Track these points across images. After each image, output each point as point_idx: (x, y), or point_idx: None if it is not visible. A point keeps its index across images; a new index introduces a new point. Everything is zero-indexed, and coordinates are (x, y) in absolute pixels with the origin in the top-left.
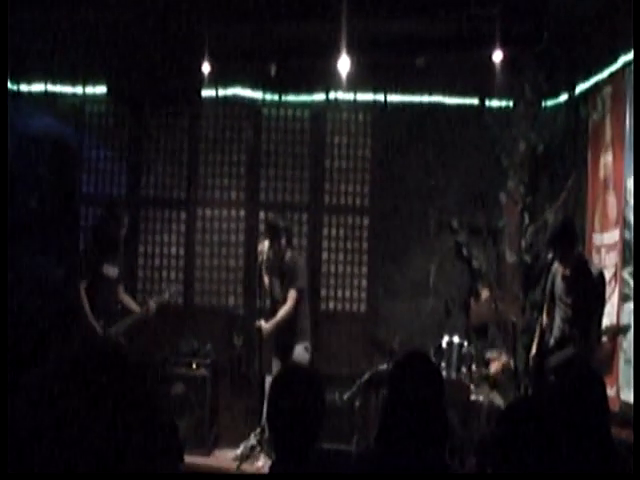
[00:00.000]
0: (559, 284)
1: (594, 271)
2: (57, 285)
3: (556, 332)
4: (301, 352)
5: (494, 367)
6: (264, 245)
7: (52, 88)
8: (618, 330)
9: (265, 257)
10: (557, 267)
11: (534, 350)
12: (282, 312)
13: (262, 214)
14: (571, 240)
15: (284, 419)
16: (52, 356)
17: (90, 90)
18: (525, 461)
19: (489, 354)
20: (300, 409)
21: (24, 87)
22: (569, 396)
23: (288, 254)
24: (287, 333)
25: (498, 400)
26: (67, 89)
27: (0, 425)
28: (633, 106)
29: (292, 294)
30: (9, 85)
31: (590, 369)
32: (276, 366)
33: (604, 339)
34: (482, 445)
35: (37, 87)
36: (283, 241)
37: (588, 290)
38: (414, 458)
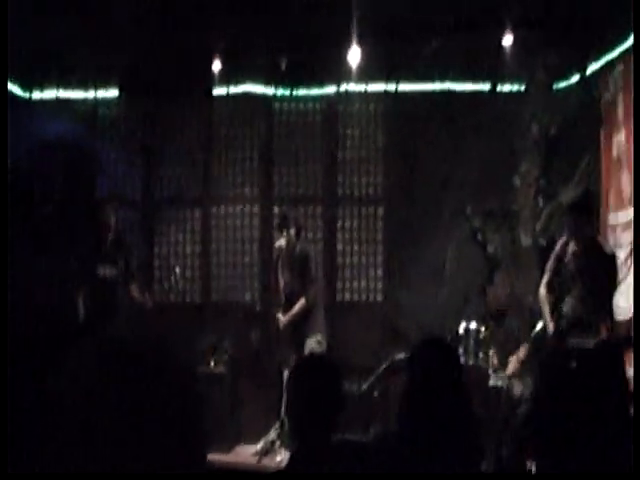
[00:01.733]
0: (571, 261)
1: (608, 249)
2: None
3: (568, 311)
4: (313, 345)
5: (515, 356)
6: (281, 241)
7: (64, 94)
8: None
9: (281, 252)
10: (569, 243)
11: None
12: (299, 305)
13: (276, 209)
14: (589, 213)
15: (302, 409)
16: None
17: (102, 93)
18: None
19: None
20: (318, 399)
21: (36, 94)
22: (590, 373)
23: (299, 246)
24: (300, 326)
25: (517, 386)
26: (79, 94)
27: (0, 425)
28: (633, 112)
29: (310, 287)
30: (21, 92)
31: (611, 347)
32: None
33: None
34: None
35: (49, 93)
36: (294, 234)
37: (605, 269)
38: (435, 445)
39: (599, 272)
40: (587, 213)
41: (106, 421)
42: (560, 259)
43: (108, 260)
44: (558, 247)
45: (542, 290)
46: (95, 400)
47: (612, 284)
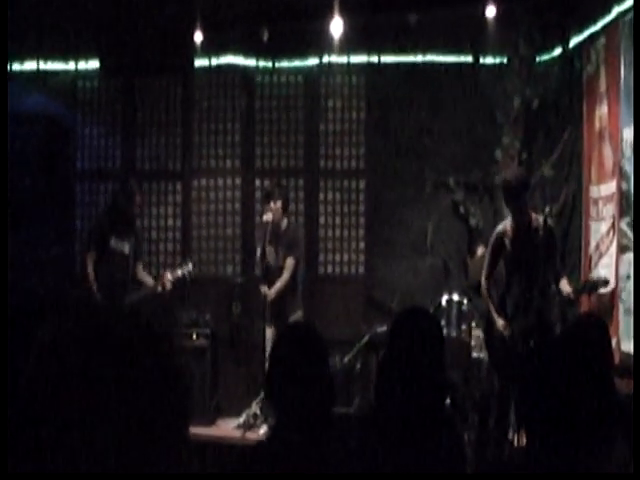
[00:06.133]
0: (512, 246)
1: (544, 225)
2: (55, 260)
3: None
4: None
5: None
6: (268, 215)
7: (44, 66)
8: (593, 284)
9: (268, 226)
10: (505, 230)
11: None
12: (283, 280)
13: (258, 181)
14: (519, 193)
15: (285, 381)
16: (56, 324)
17: (82, 66)
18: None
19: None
20: (301, 370)
21: (16, 66)
22: (574, 342)
23: (284, 222)
24: (282, 302)
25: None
26: (59, 66)
27: (0, 425)
28: (633, 111)
29: (290, 262)
30: None
31: (595, 316)
32: (270, 334)
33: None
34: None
35: (29, 65)
36: (280, 207)
37: (546, 244)
38: (414, 415)
39: (541, 251)
40: (517, 193)
41: (86, 393)
42: (499, 247)
43: (120, 235)
44: (493, 237)
45: (483, 283)
46: (75, 370)
47: (555, 258)
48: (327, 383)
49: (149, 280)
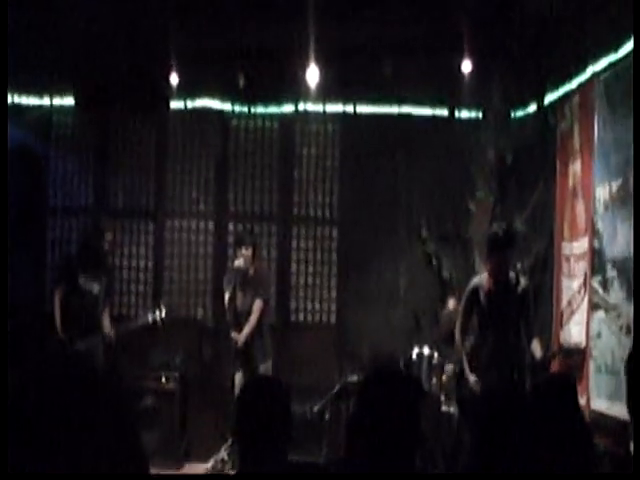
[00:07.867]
0: (488, 301)
1: (521, 284)
2: (23, 294)
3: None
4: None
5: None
6: (240, 262)
7: (19, 100)
8: (566, 352)
9: (239, 272)
10: (482, 284)
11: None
12: (251, 323)
13: (231, 225)
14: (506, 250)
15: (250, 430)
16: (18, 367)
17: (57, 102)
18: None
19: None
20: (266, 420)
21: None
22: (542, 402)
23: (253, 267)
24: (251, 347)
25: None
26: (34, 101)
27: (0, 425)
28: (633, 114)
29: (258, 304)
30: None
31: (563, 376)
32: (238, 379)
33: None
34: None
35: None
36: (250, 255)
37: (521, 304)
38: (382, 470)
39: (516, 309)
40: (503, 249)
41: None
42: (474, 301)
43: (90, 273)
44: (468, 291)
45: (457, 337)
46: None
47: (528, 316)
48: (287, 435)
49: (107, 325)
